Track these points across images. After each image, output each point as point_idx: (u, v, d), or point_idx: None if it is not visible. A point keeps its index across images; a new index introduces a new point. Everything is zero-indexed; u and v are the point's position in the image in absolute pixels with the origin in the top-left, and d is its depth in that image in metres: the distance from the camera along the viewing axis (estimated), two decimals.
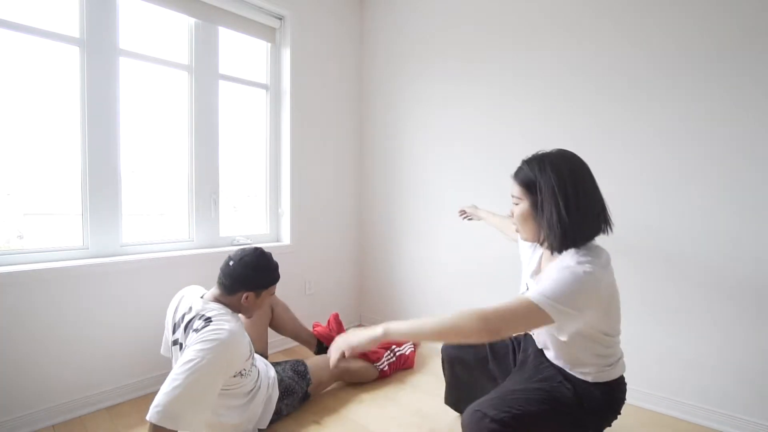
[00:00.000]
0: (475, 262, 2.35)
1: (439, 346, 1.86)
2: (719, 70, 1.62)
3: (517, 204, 1.11)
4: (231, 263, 1.42)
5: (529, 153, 1.28)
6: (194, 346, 1.22)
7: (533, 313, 0.93)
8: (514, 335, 1.36)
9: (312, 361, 1.82)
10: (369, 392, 1.94)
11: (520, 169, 1.10)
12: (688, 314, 1.71)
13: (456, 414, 1.73)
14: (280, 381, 1.64)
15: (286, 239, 2.55)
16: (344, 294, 2.91)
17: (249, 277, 1.42)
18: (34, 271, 1.59)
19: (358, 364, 1.98)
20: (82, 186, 1.81)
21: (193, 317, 1.34)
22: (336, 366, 1.18)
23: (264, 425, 1.54)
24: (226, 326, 1.28)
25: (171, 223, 2.16)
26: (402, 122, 2.70)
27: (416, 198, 2.64)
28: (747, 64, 1.57)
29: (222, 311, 1.37)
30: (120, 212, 1.91)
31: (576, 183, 1.02)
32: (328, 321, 2.13)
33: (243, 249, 1.48)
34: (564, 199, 1.00)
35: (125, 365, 1.84)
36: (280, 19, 2.50)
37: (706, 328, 1.67)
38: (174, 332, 1.42)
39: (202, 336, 1.24)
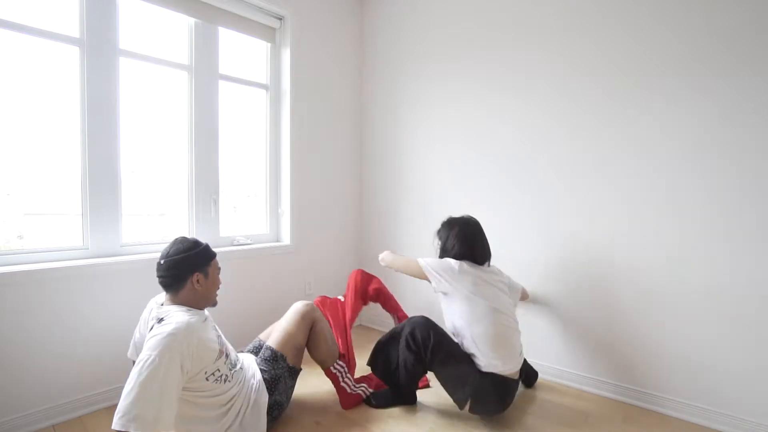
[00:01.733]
0: None
1: None
2: (728, 67, 1.61)
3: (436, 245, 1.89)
4: (162, 261, 1.39)
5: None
6: (144, 347, 1.22)
7: (417, 268, 1.77)
8: None
9: (274, 337, 1.69)
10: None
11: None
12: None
13: (456, 415, 1.73)
14: (263, 378, 1.59)
15: (286, 239, 2.55)
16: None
17: (186, 259, 1.39)
18: (34, 271, 1.59)
19: (330, 336, 1.82)
20: (82, 186, 1.81)
21: (152, 326, 1.33)
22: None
23: (263, 430, 1.50)
24: (173, 320, 1.28)
25: (171, 223, 2.15)
26: (402, 122, 2.70)
27: (416, 197, 2.64)
28: (756, 60, 1.56)
29: (175, 310, 1.36)
30: (120, 212, 1.91)
31: (457, 238, 1.80)
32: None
33: (164, 248, 1.43)
34: (444, 245, 1.84)
35: (125, 365, 1.83)
36: (280, 19, 2.50)
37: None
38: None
39: (149, 335, 1.24)
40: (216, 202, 2.27)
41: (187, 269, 1.39)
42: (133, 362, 1.53)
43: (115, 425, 1.12)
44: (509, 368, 1.64)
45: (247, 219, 2.52)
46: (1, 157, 1.64)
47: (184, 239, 1.44)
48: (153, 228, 2.07)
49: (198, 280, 1.41)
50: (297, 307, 1.76)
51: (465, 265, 1.72)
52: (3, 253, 1.62)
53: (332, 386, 1.84)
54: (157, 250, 2.01)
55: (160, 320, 1.32)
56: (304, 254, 2.62)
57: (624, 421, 1.72)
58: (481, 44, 2.30)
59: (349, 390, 1.81)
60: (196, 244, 1.44)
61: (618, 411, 1.81)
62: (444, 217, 2.47)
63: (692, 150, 1.69)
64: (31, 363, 1.60)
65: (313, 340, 1.76)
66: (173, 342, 1.21)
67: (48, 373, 1.64)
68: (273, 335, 1.71)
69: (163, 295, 1.47)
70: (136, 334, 1.52)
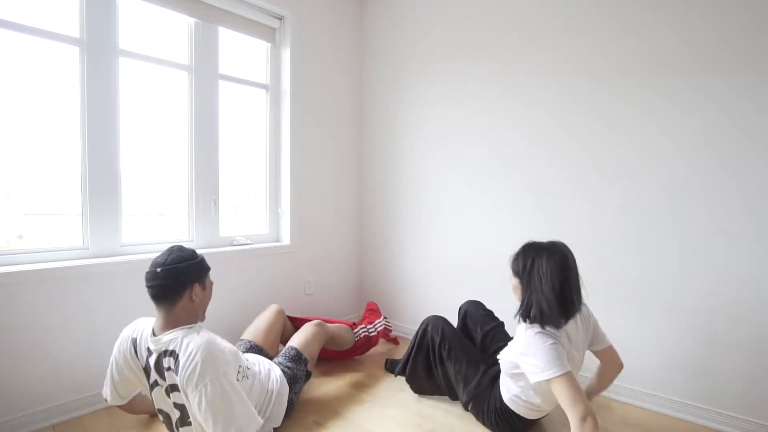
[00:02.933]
0: (475, 260, 2.35)
1: None
2: (728, 68, 1.61)
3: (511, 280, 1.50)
4: (159, 270, 1.28)
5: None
6: (188, 388, 1.22)
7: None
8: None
9: (298, 341, 1.83)
10: (370, 393, 1.94)
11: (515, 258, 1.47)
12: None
13: (456, 415, 1.73)
14: (284, 374, 1.64)
15: (286, 239, 2.55)
16: (344, 294, 2.91)
17: (188, 268, 1.32)
18: (34, 271, 1.59)
19: (339, 327, 2.13)
20: (82, 186, 1.81)
21: (158, 358, 1.28)
22: None
23: (278, 423, 1.53)
24: (193, 346, 1.24)
25: (171, 223, 2.15)
26: (402, 121, 2.70)
27: (416, 197, 2.64)
28: (756, 60, 1.56)
29: (178, 335, 1.28)
30: (120, 212, 1.91)
31: (544, 280, 1.36)
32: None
33: (157, 257, 1.34)
34: (528, 298, 1.41)
35: None
36: (280, 19, 2.50)
37: None
38: (148, 377, 1.35)
39: (185, 375, 1.21)
40: (216, 202, 2.27)
41: (188, 279, 1.32)
42: (105, 400, 1.48)
43: None
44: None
45: (247, 219, 2.52)
46: (1, 157, 1.64)
47: (181, 247, 1.37)
48: (153, 228, 2.07)
49: (196, 293, 1.34)
50: (311, 329, 1.91)
51: (559, 343, 1.32)
52: (3, 253, 1.62)
53: (331, 385, 1.98)
54: (157, 250, 2.00)
55: (172, 353, 1.25)
56: (304, 254, 2.62)
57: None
58: (481, 44, 2.29)
59: (373, 333, 2.28)
60: (195, 253, 1.38)
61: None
62: (447, 215, 2.49)
63: (691, 150, 1.69)
64: (31, 363, 1.60)
65: (335, 341, 2.07)
66: (215, 362, 1.23)
67: (48, 373, 1.64)
68: (296, 338, 1.85)
69: (143, 323, 1.38)
70: (115, 376, 1.41)
